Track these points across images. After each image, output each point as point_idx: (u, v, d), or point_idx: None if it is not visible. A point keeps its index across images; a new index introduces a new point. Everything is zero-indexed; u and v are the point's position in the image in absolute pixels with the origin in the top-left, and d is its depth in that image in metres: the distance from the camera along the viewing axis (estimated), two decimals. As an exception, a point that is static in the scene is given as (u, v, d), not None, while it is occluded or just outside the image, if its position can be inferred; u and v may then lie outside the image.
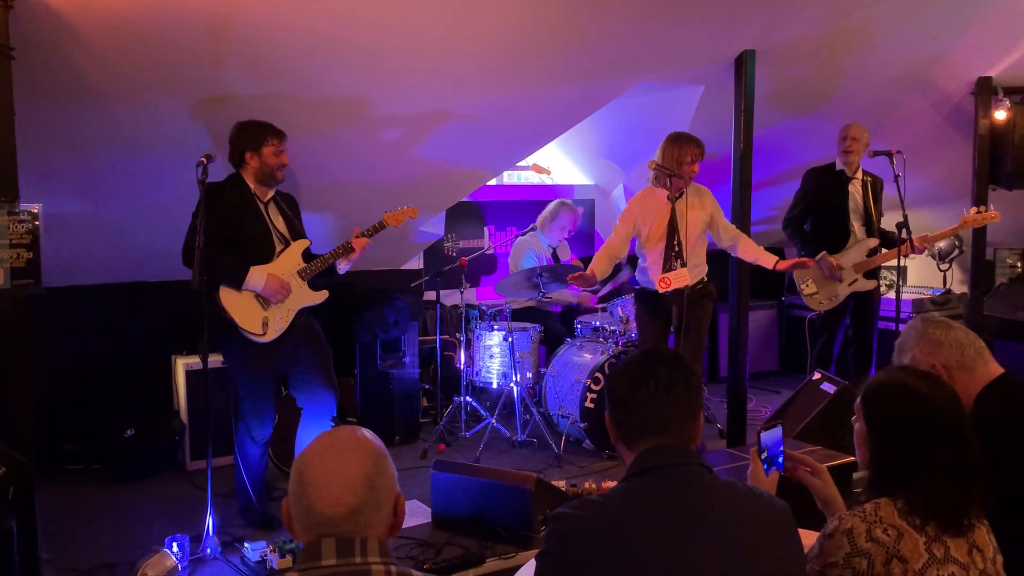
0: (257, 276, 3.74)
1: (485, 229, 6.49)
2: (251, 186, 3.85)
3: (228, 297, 3.74)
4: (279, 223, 3.92)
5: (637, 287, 4.77)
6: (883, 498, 1.77)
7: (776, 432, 2.19)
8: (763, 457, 2.15)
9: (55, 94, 3.63)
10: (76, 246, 4.48)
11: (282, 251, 3.88)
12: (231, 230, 3.75)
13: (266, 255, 3.84)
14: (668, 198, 4.34)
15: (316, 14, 3.62)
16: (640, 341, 4.76)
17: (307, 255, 3.98)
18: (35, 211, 3.17)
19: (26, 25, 3.19)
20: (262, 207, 3.87)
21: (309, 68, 3.97)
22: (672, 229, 4.35)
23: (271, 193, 3.92)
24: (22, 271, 3.15)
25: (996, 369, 2.28)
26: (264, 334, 3.78)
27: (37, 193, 3.43)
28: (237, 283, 3.72)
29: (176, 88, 3.85)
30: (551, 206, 5.82)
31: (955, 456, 1.75)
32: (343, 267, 4.04)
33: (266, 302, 3.80)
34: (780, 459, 2.18)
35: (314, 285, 3.96)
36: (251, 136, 3.79)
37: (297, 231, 3.97)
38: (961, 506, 1.73)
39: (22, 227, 3.14)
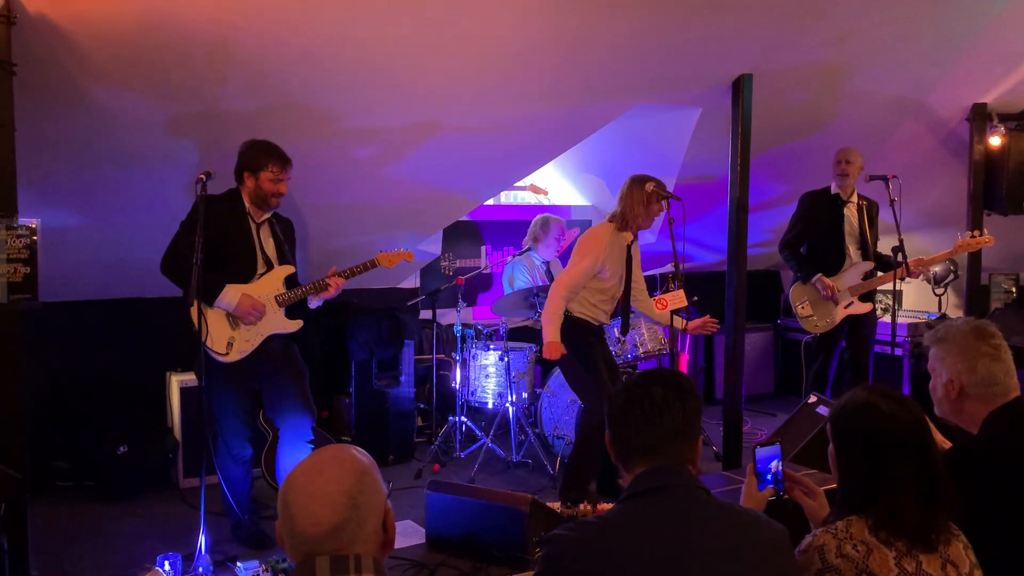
0: (231, 294, 3.70)
1: (482, 248, 6.50)
2: (246, 205, 3.82)
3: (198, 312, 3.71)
4: (268, 246, 3.88)
5: (571, 316, 4.27)
6: (855, 515, 1.79)
7: (772, 450, 2.21)
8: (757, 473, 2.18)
9: (56, 110, 3.65)
10: (73, 261, 4.47)
11: (264, 273, 3.84)
12: (215, 245, 3.69)
13: (247, 274, 3.80)
14: (628, 244, 4.31)
15: (316, 33, 3.65)
16: (592, 368, 4.26)
17: (290, 282, 3.92)
18: (33, 226, 3.18)
19: (28, 41, 3.21)
20: (253, 227, 3.83)
21: (309, 87, 3.99)
22: (629, 269, 4.34)
23: (266, 215, 3.88)
24: (19, 286, 3.15)
25: (1014, 395, 2.22)
26: (227, 354, 3.73)
27: (35, 208, 3.43)
28: (210, 298, 3.67)
29: (176, 105, 3.86)
30: (538, 222, 5.75)
31: (918, 473, 1.78)
32: (314, 303, 3.94)
33: (235, 322, 3.76)
34: (770, 476, 2.20)
35: (291, 313, 3.90)
36: (253, 157, 3.76)
37: (286, 257, 3.91)
38: (927, 522, 1.75)
39: (20, 242, 3.14)
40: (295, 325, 3.90)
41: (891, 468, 1.78)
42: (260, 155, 3.75)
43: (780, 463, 2.20)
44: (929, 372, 2.30)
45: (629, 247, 4.35)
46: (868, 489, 1.80)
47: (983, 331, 2.22)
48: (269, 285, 3.84)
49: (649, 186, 4.21)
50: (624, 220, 4.28)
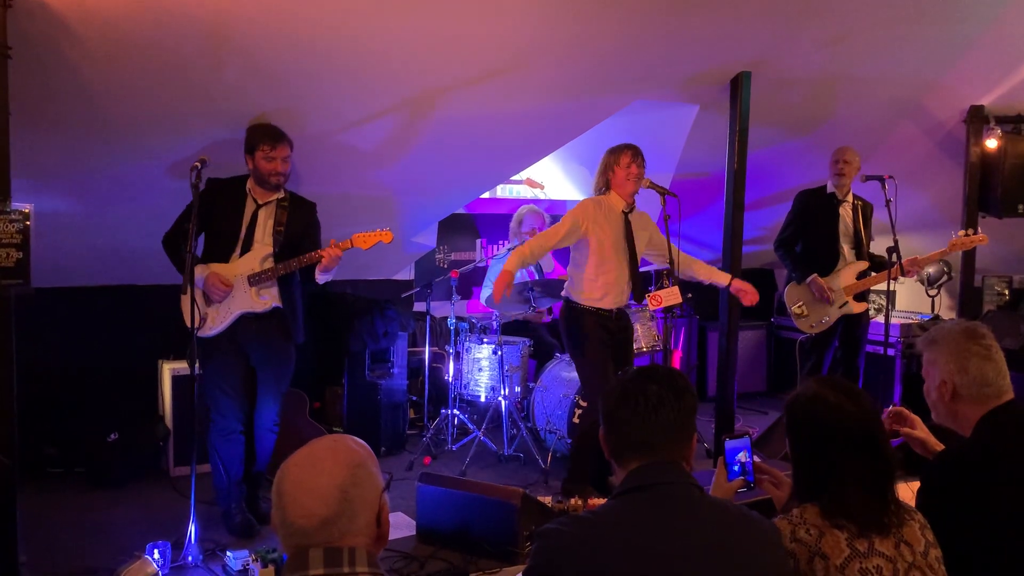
0: (199, 271, 3.77)
1: (477, 242, 6.49)
2: (248, 186, 3.89)
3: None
4: (264, 228, 3.89)
5: (572, 303, 4.31)
6: (810, 503, 1.84)
7: (741, 442, 2.28)
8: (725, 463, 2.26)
9: (50, 95, 3.62)
10: (66, 247, 4.45)
11: (243, 254, 3.87)
12: (206, 224, 3.81)
13: (224, 254, 3.86)
14: (623, 211, 4.27)
15: (314, 23, 3.62)
16: (590, 359, 4.25)
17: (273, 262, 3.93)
18: (26, 211, 3.16)
19: (24, 25, 3.18)
20: (251, 208, 3.89)
21: (306, 77, 3.97)
22: (630, 242, 4.28)
23: (272, 196, 3.92)
24: (11, 271, 3.13)
25: (1007, 398, 2.22)
26: (196, 328, 3.76)
27: (29, 193, 3.41)
28: (181, 271, 3.75)
29: (172, 92, 3.84)
30: (514, 218, 5.81)
31: (864, 462, 1.82)
32: (321, 276, 3.93)
33: (208, 300, 3.83)
34: (737, 467, 2.26)
35: (279, 293, 3.91)
36: (249, 140, 3.86)
37: (279, 240, 3.88)
38: (873, 509, 1.79)
39: (13, 227, 3.12)
40: (263, 305, 3.89)
41: (837, 457, 1.83)
42: (254, 136, 3.86)
43: (748, 454, 2.27)
44: (924, 377, 2.30)
45: (627, 216, 4.29)
46: (817, 477, 1.85)
47: (974, 332, 2.22)
48: (244, 265, 3.87)
49: (646, 183, 4.25)
50: (601, 181, 4.30)
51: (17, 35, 3.14)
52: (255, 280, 3.85)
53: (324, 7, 3.55)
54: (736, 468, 2.25)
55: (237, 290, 3.85)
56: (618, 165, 4.24)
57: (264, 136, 3.83)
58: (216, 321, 3.85)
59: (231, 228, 3.87)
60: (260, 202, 3.90)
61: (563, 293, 4.42)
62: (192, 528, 3.53)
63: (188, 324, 3.73)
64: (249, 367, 3.97)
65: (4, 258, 3.11)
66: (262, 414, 4.02)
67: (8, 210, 3.11)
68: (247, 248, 3.88)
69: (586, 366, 4.29)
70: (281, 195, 3.93)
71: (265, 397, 4.00)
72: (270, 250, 3.89)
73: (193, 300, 3.56)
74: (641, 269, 4.57)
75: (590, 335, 4.24)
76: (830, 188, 5.20)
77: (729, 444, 2.26)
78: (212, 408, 3.95)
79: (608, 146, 4.38)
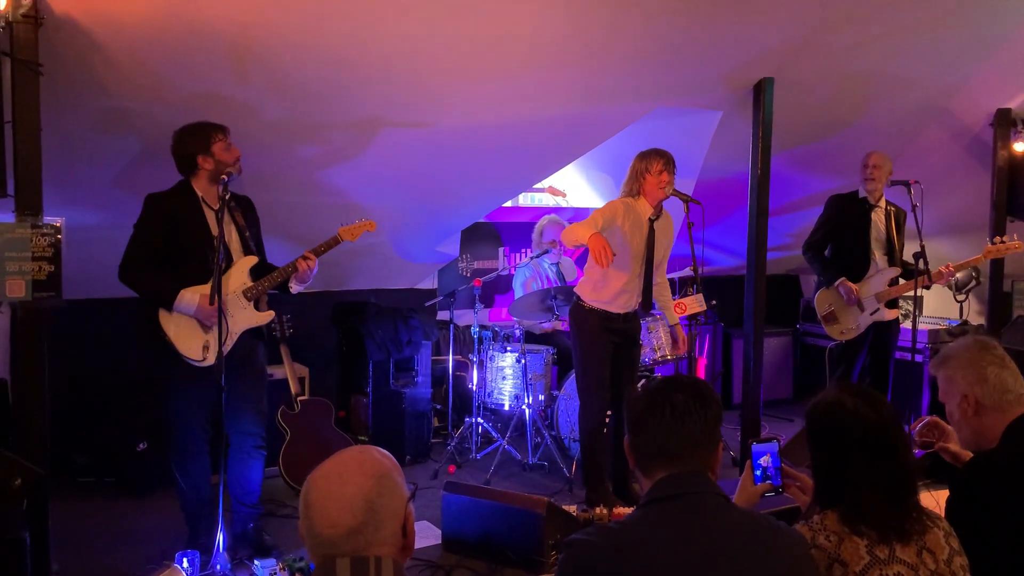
0: (188, 298, 3.50)
1: (500, 250, 6.50)
2: (200, 194, 3.60)
3: (168, 318, 3.55)
4: (231, 236, 3.66)
5: (581, 303, 4.34)
6: (830, 508, 1.84)
7: (769, 446, 2.28)
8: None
9: (80, 110, 3.69)
10: (96, 259, 4.51)
11: (226, 269, 3.61)
12: (171, 244, 3.54)
13: (203, 272, 3.55)
14: (650, 217, 4.26)
15: (340, 35, 3.66)
16: (586, 362, 4.34)
17: (257, 272, 3.72)
18: (58, 224, 3.21)
19: (55, 41, 3.24)
20: (212, 217, 3.56)
21: (331, 88, 4.00)
22: (650, 250, 4.27)
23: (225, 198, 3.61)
24: (43, 284, 3.17)
25: None
26: (204, 359, 3.56)
27: (60, 207, 3.46)
28: (167, 305, 3.52)
29: (199, 107, 3.88)
30: (537, 224, 5.83)
31: (882, 468, 1.82)
32: (295, 287, 3.78)
33: (204, 326, 3.57)
34: (759, 472, 2.26)
35: (268, 302, 3.76)
36: (198, 139, 3.56)
37: (249, 246, 3.70)
38: (892, 515, 1.78)
39: (45, 240, 3.17)
40: (267, 317, 3.74)
41: (855, 463, 1.83)
42: (203, 133, 3.56)
43: (773, 458, 2.27)
44: (943, 401, 2.29)
45: (652, 223, 4.28)
46: (836, 483, 1.85)
47: (985, 343, 2.25)
48: (234, 281, 3.64)
49: (655, 161, 4.21)
50: (633, 186, 4.26)
51: (48, 51, 3.20)
52: (251, 294, 3.65)
53: (347, 21, 3.58)
54: (759, 473, 2.25)
55: (234, 308, 3.60)
56: (649, 172, 4.22)
57: (214, 128, 3.56)
58: (225, 346, 3.54)
59: (203, 242, 3.55)
60: (215, 207, 3.58)
61: (575, 289, 4.44)
62: (220, 537, 3.56)
63: (172, 342, 3.51)
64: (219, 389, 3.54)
65: (37, 271, 3.16)
66: (244, 438, 3.75)
67: (40, 224, 3.16)
68: (231, 261, 3.64)
69: (581, 366, 4.36)
70: (227, 196, 3.56)
71: (245, 415, 3.73)
72: (254, 260, 3.70)
73: (220, 312, 3.44)
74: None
75: (592, 336, 4.29)
76: (862, 193, 5.14)
77: (756, 447, 2.27)
78: (178, 434, 3.65)
79: (630, 153, 4.38)
